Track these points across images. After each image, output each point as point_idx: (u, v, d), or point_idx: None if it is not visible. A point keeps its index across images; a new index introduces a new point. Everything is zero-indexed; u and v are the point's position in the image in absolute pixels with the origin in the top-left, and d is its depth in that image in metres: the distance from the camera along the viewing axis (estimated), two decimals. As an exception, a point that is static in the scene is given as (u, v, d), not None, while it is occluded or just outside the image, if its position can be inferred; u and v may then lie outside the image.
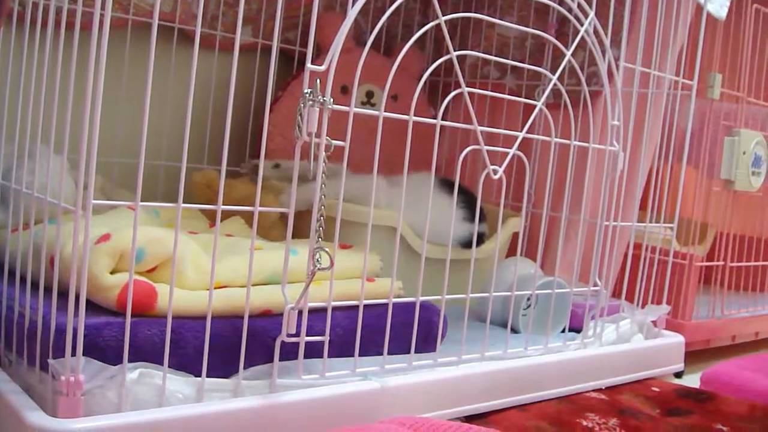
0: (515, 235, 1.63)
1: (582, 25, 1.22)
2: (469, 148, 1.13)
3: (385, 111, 1.02)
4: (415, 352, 1.12)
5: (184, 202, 0.89)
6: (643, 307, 1.51)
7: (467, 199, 1.50)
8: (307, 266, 0.95)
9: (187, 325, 0.96)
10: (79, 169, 0.80)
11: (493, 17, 1.17)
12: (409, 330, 1.11)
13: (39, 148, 1.06)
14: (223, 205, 0.91)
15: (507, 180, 1.18)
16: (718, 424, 1.24)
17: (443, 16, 1.04)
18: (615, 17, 1.32)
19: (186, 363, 0.94)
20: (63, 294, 0.84)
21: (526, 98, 1.24)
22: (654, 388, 1.41)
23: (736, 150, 1.70)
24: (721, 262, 1.80)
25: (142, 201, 0.85)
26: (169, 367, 0.90)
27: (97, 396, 0.84)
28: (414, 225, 1.43)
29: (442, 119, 1.09)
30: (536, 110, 1.19)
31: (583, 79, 1.27)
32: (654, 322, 1.52)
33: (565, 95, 1.23)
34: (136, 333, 0.91)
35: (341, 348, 1.08)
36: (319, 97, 0.91)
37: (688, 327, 1.67)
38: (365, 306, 1.06)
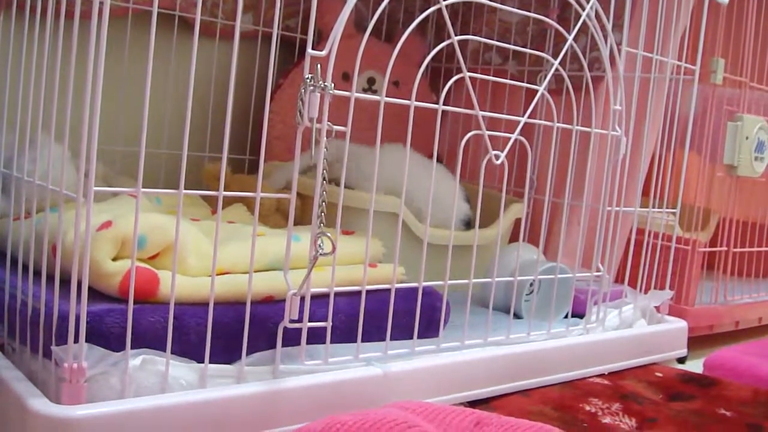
0: (518, 221, 1.63)
1: (584, 9, 1.21)
2: (470, 133, 1.13)
3: (386, 97, 1.01)
4: (418, 337, 1.12)
5: (192, 191, 0.89)
6: (646, 292, 1.51)
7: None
8: (309, 252, 0.95)
9: (189, 311, 0.96)
10: (80, 157, 0.80)
11: (494, 2, 1.16)
12: (411, 315, 1.11)
13: (40, 136, 1.05)
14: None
15: (509, 166, 1.18)
16: (721, 409, 1.24)
17: (444, 1, 1.04)
18: (617, 2, 1.31)
19: (189, 349, 0.95)
20: (65, 281, 0.84)
21: (528, 83, 1.24)
22: (657, 374, 1.41)
23: (739, 135, 1.70)
24: (724, 248, 1.80)
25: (143, 188, 0.85)
26: (171, 353, 0.90)
27: (100, 382, 0.84)
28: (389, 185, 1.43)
29: (444, 105, 1.09)
30: (538, 95, 1.19)
31: (585, 64, 1.26)
32: (657, 308, 1.52)
33: (567, 80, 1.23)
34: (138, 319, 0.91)
35: (344, 334, 1.08)
36: (320, 82, 0.91)
37: (692, 312, 1.67)
38: (368, 292, 1.06)
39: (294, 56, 1.82)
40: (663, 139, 1.56)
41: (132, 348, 0.87)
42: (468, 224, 1.53)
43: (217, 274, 0.97)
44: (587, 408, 1.18)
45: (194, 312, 0.96)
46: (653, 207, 1.49)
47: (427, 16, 1.06)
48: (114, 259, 0.95)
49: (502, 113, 1.25)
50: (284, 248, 0.96)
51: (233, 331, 0.97)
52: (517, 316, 1.35)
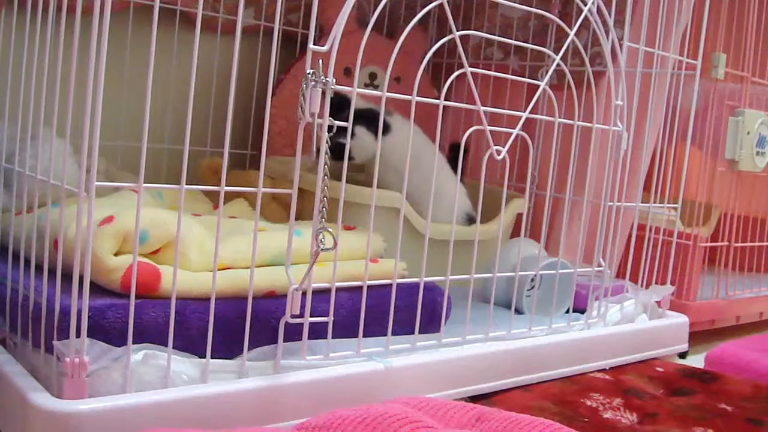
0: (519, 216, 1.63)
1: (585, 4, 1.21)
2: (472, 129, 1.13)
3: (388, 92, 1.01)
4: (419, 332, 1.12)
5: (194, 186, 0.89)
6: (647, 287, 1.51)
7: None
8: (310, 247, 0.95)
9: (191, 306, 0.96)
10: (81, 152, 0.80)
11: (495, -3, 1.16)
12: (413, 311, 1.11)
13: (42, 131, 1.05)
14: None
15: (510, 161, 1.18)
16: (722, 404, 1.24)
17: (446, -4, 1.04)
18: (618, -3, 1.31)
19: (190, 344, 0.95)
20: (67, 276, 0.84)
21: (529, 79, 1.24)
22: (658, 369, 1.41)
23: (741, 130, 1.69)
24: (726, 243, 1.80)
25: (145, 183, 0.85)
26: (173, 348, 0.90)
27: (101, 377, 0.85)
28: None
29: (446, 100, 1.09)
30: (539, 90, 1.18)
31: (586, 60, 1.26)
32: (658, 303, 1.52)
33: (568, 75, 1.23)
34: (140, 314, 0.92)
35: (345, 329, 1.08)
36: (322, 77, 0.91)
37: (693, 307, 1.67)
38: (369, 287, 1.06)
39: (295, 51, 1.82)
40: (664, 135, 1.56)
41: (133, 343, 0.87)
42: (470, 221, 1.53)
43: (219, 269, 0.97)
44: (588, 403, 1.18)
45: (196, 307, 0.96)
46: (654, 202, 1.49)
47: (429, 12, 1.06)
48: (115, 254, 0.95)
49: (504, 108, 1.25)
50: (285, 243, 0.96)
51: (235, 326, 0.97)
52: (518, 311, 1.35)
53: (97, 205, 0.84)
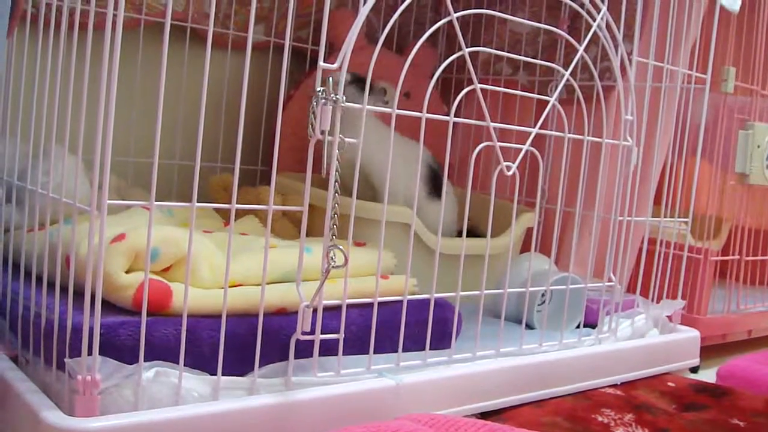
0: (529, 231, 1.63)
1: (594, 20, 1.21)
2: (482, 145, 1.13)
3: (398, 109, 1.02)
4: (430, 349, 1.12)
5: (205, 204, 0.89)
6: (658, 302, 1.51)
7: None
8: (321, 264, 0.95)
9: (202, 323, 0.96)
10: (93, 169, 0.81)
11: (505, 13, 1.17)
12: (423, 327, 1.11)
13: (53, 148, 1.06)
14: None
15: (520, 176, 1.18)
16: (735, 419, 1.24)
17: (455, 12, 1.04)
18: (627, 12, 1.31)
19: (201, 361, 0.95)
20: (78, 293, 0.84)
21: (538, 94, 1.24)
22: (669, 384, 1.40)
23: (751, 144, 1.69)
24: (737, 257, 1.80)
25: (156, 201, 0.85)
26: (184, 365, 0.90)
27: (113, 395, 0.85)
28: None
29: (455, 116, 1.09)
30: (549, 106, 1.19)
31: (596, 74, 1.26)
32: (669, 317, 1.52)
33: (578, 90, 1.23)
34: (151, 332, 0.92)
35: (356, 345, 1.08)
36: (332, 95, 0.92)
37: (704, 322, 1.66)
38: (380, 303, 1.06)
39: (305, 67, 1.83)
40: (674, 148, 1.56)
41: (145, 360, 0.88)
42: (434, 181, 1.53)
43: (230, 287, 0.97)
44: (600, 419, 1.18)
45: (207, 324, 0.96)
46: (665, 216, 1.49)
47: (438, 28, 1.06)
48: (127, 272, 0.96)
49: (513, 123, 1.25)
50: (296, 260, 0.96)
51: (246, 343, 0.97)
52: (529, 326, 1.35)
53: (108, 223, 0.85)
